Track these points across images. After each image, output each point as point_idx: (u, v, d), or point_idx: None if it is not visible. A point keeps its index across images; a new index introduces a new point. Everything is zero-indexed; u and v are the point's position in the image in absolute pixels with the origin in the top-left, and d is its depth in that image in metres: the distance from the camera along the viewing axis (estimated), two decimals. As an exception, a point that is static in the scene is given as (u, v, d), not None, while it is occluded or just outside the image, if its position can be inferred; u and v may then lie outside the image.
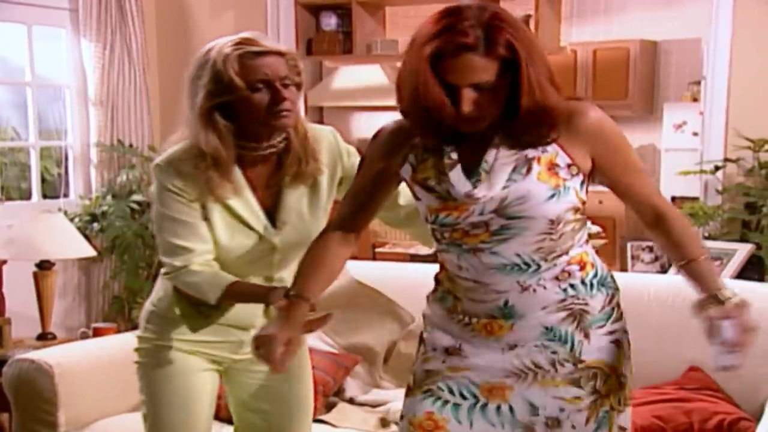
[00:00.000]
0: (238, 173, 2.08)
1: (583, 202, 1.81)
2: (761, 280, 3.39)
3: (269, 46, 2.03)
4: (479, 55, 1.66)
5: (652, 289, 3.08)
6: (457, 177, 1.78)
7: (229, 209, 2.08)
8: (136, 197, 4.41)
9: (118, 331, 3.90)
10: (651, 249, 3.80)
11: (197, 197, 2.06)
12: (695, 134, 6.04)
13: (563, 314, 1.82)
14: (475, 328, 1.86)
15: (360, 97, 6.57)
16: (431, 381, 1.88)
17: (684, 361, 2.93)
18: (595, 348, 1.84)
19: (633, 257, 3.78)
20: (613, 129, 1.81)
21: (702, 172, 3.94)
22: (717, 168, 3.88)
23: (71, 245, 4.00)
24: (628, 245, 3.80)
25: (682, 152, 6.27)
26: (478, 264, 1.80)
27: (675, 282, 3.27)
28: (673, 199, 5.36)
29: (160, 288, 2.22)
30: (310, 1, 4.89)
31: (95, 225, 4.37)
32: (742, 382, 2.80)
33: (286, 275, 2.17)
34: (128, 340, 3.40)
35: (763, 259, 3.46)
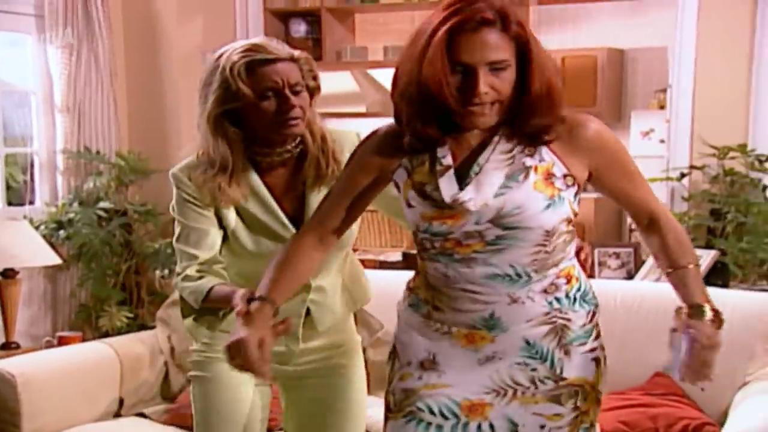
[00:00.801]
0: (256, 179, 2.06)
1: (575, 214, 1.80)
2: (725, 286, 3.43)
3: (279, 52, 2.00)
4: (497, 30, 1.67)
5: (619, 295, 3.10)
6: (446, 182, 1.76)
7: (250, 216, 2.06)
8: (104, 204, 4.37)
9: (84, 340, 3.87)
10: (618, 255, 3.82)
11: (210, 203, 2.04)
12: (662, 141, 6.09)
13: (546, 328, 1.81)
14: (455, 336, 1.83)
15: (330, 104, 6.54)
16: (411, 402, 1.85)
17: (649, 367, 2.96)
18: (576, 365, 1.84)
19: (600, 263, 3.79)
20: (613, 139, 1.83)
21: (668, 179, 3.97)
22: (683, 175, 3.91)
23: (36, 253, 3.96)
24: (596, 251, 3.82)
25: (649, 159, 6.31)
26: (469, 274, 1.77)
27: (641, 288, 3.30)
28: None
29: None
30: (279, 8, 4.87)
31: (61, 232, 4.32)
32: (707, 388, 2.82)
33: (324, 282, 2.13)
34: (94, 348, 3.38)
35: (728, 266, 3.50)
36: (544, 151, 1.77)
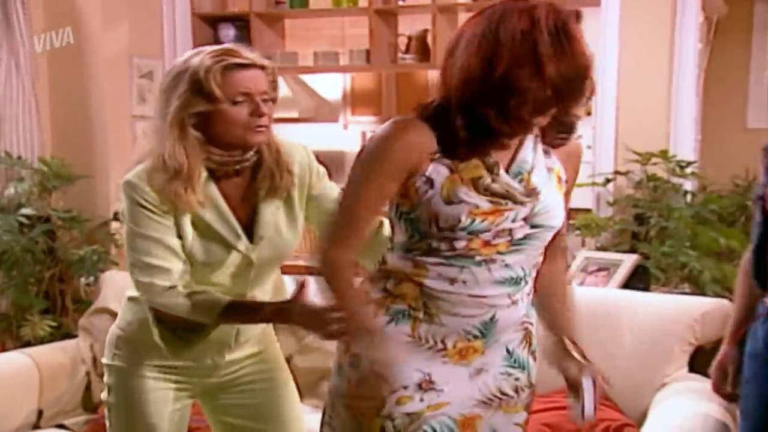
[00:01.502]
0: (212, 187, 2.02)
1: None
2: (646, 289, 3.49)
3: (253, 58, 1.98)
4: None
5: (543, 299, 3.13)
6: (503, 176, 1.75)
7: (203, 223, 2.01)
8: (26, 211, 4.25)
9: (5, 350, 3.77)
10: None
11: (170, 210, 1.98)
12: (589, 147, 6.19)
13: (520, 335, 1.87)
14: (448, 354, 1.81)
15: (262, 110, 6.52)
16: (416, 426, 1.81)
17: (573, 370, 2.99)
18: (536, 371, 1.92)
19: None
20: None
21: (594, 184, 4.03)
22: (608, 180, 3.98)
23: (-46, 261, 3.85)
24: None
25: (578, 165, 6.43)
26: (487, 276, 1.76)
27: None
28: (569, 210, 5.48)
29: (128, 311, 2.14)
30: (207, 13, 4.83)
31: (-20, 240, 4.20)
32: (628, 390, 2.88)
33: (259, 294, 2.12)
34: (12, 358, 3.30)
35: (648, 269, 3.56)
36: (553, 156, 1.83)
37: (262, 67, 1.99)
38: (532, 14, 1.66)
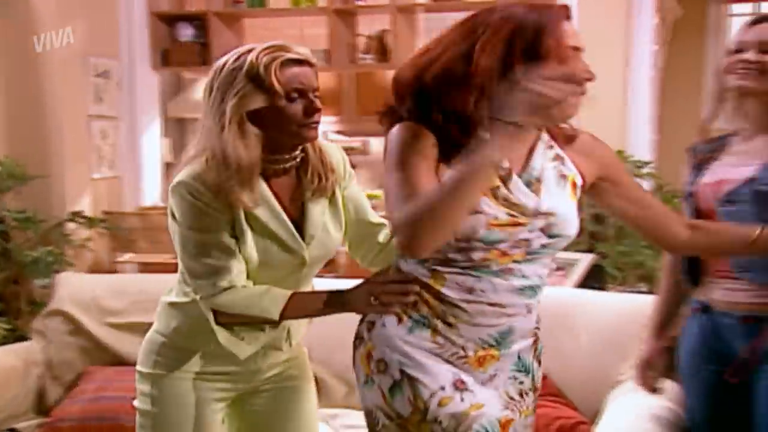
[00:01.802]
0: (263, 186, 1.99)
1: None
2: (602, 288, 3.53)
3: (305, 54, 1.96)
4: None
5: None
6: (517, 187, 1.73)
7: (258, 222, 1.98)
8: (-19, 212, 4.21)
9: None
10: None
11: (224, 208, 1.94)
12: (549, 148, 6.25)
13: (531, 340, 1.86)
14: (468, 361, 1.80)
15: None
16: (467, 426, 1.77)
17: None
18: (540, 374, 1.91)
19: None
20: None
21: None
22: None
23: None
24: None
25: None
26: (505, 286, 1.75)
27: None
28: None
29: (170, 318, 2.08)
30: (164, 11, 4.80)
31: (-68, 242, 4.14)
32: (583, 388, 2.90)
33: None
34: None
35: (604, 268, 3.60)
36: (568, 161, 1.80)
37: (311, 64, 1.97)
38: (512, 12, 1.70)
